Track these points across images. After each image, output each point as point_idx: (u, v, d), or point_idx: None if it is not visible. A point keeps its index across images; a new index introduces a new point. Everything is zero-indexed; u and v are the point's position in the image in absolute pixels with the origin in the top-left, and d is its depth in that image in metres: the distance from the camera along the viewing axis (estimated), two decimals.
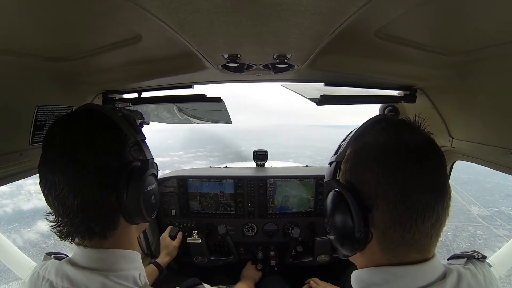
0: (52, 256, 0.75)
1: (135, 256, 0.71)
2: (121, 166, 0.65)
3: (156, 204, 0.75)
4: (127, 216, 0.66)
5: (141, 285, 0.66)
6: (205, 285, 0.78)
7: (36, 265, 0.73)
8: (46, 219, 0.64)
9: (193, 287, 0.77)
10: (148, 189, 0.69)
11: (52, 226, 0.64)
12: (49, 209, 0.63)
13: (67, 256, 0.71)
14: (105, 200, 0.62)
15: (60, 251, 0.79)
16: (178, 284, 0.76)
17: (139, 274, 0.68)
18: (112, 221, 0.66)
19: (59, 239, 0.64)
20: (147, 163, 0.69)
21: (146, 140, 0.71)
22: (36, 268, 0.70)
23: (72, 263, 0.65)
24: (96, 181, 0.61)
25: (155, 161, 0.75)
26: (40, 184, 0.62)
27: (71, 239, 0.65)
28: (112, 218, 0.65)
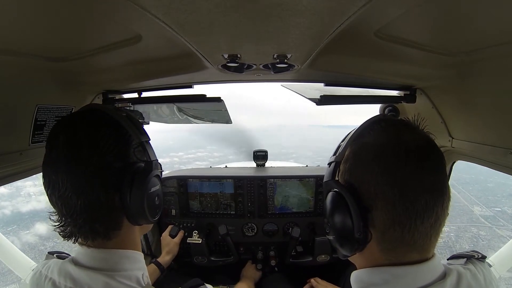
0: (55, 255, 0.75)
1: (139, 256, 0.71)
2: (124, 167, 0.65)
3: (160, 205, 0.75)
4: (130, 217, 0.66)
5: (144, 285, 0.66)
6: (207, 285, 0.78)
7: (38, 264, 0.72)
8: (50, 218, 0.64)
9: None
10: (152, 191, 0.69)
11: (55, 226, 0.63)
12: (52, 209, 0.63)
13: (70, 255, 0.71)
14: (109, 201, 0.62)
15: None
16: (180, 284, 0.76)
17: (142, 274, 0.68)
18: (116, 222, 0.65)
19: (62, 239, 0.64)
20: (151, 164, 0.69)
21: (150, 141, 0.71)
22: (38, 267, 0.69)
23: (75, 262, 0.64)
24: (100, 181, 0.61)
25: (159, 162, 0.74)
26: (44, 183, 0.62)
27: (74, 239, 0.64)
28: (116, 219, 0.65)
